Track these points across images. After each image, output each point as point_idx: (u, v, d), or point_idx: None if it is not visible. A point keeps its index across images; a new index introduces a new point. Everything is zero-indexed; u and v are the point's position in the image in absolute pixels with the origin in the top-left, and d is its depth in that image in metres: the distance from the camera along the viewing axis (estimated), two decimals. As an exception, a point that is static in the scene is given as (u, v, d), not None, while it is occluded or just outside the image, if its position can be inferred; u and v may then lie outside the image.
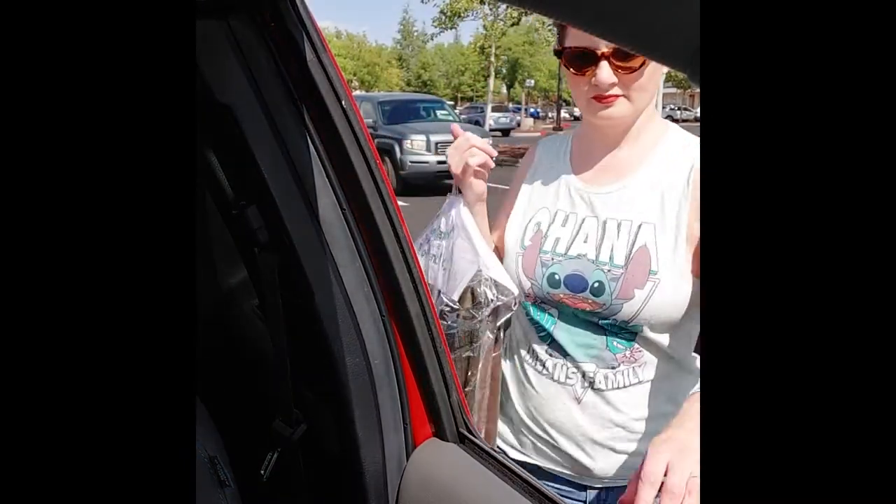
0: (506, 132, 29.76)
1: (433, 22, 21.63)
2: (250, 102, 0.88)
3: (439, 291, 1.21)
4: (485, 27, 23.10)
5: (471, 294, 1.17)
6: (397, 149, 11.15)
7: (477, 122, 22.56)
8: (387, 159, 11.18)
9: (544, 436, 1.21)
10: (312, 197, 0.90)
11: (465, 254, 1.19)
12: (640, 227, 1.09)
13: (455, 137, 1.21)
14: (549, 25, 24.00)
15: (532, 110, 48.39)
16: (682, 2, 0.30)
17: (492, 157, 1.20)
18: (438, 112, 13.24)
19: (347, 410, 0.92)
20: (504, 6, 19.33)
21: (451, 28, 21.55)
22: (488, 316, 1.16)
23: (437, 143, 11.18)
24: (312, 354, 0.94)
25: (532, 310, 1.20)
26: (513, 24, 22.55)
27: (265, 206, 0.92)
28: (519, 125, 34.80)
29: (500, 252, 1.27)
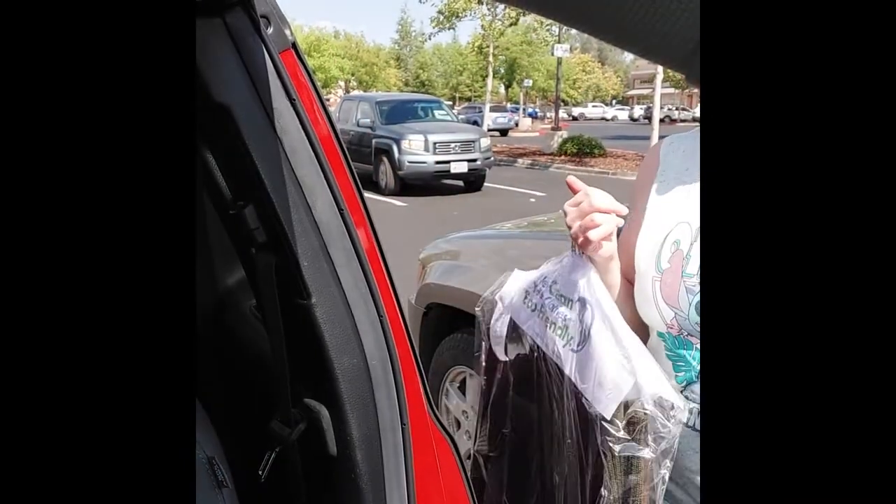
0: (504, 132, 29.78)
1: (431, 22, 21.62)
2: (249, 102, 0.88)
3: (570, 378, 1.03)
4: (483, 27, 23.09)
5: (623, 408, 0.97)
6: (395, 149, 11.14)
7: (475, 122, 22.57)
8: (385, 159, 11.17)
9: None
10: (311, 197, 0.91)
11: (610, 350, 0.98)
12: None
13: (573, 192, 1.05)
14: (548, 26, 23.98)
15: (530, 110, 48.38)
16: (680, 4, 0.30)
17: (622, 216, 1.01)
18: (436, 112, 13.24)
19: (345, 411, 0.92)
20: (502, 6, 19.34)
21: (449, 28, 21.54)
22: (651, 442, 0.95)
23: (434, 143, 11.17)
24: (310, 355, 0.94)
25: (672, 342, 1.02)
26: (511, 25, 22.54)
27: (263, 206, 0.92)
28: (517, 125, 34.81)
29: (628, 277, 1.10)
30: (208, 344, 1.42)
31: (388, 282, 0.97)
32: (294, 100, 0.90)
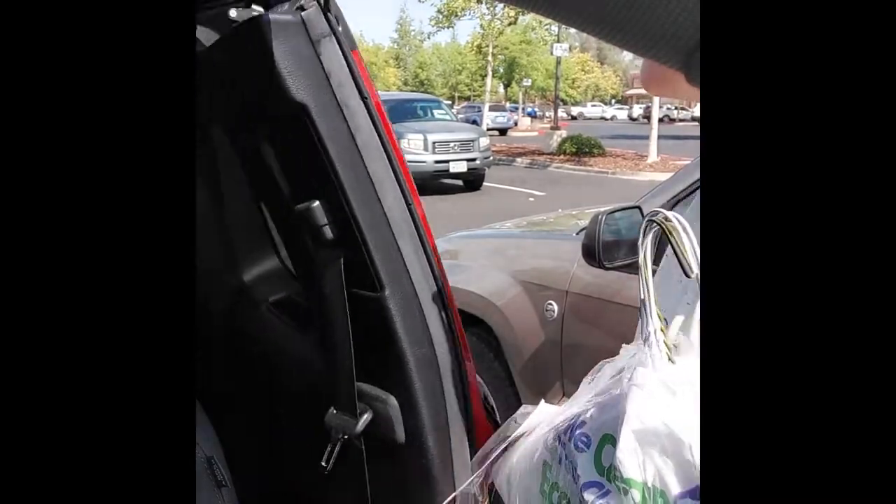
0: (503, 131, 29.76)
1: (430, 21, 21.63)
2: (325, 100, 0.92)
3: None
4: (482, 26, 23.08)
5: None
6: (394, 148, 11.11)
7: (474, 122, 22.57)
8: (384, 159, 11.12)
9: None
10: (381, 192, 0.94)
11: None
12: None
13: None
14: (547, 25, 23.98)
15: (529, 109, 48.37)
16: (679, 3, 0.30)
17: None
18: (436, 111, 13.23)
19: (416, 399, 0.96)
20: (501, 5, 19.33)
21: (448, 27, 21.54)
22: None
23: (434, 143, 11.17)
24: (379, 346, 0.97)
25: None
26: (510, 24, 22.54)
27: (334, 202, 0.95)
28: (516, 124, 34.79)
29: None
30: (222, 341, 1.45)
31: (445, 274, 1.00)
32: (366, 98, 0.93)
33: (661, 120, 18.28)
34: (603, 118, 51.21)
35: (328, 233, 0.97)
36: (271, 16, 0.88)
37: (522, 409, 0.75)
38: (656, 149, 14.67)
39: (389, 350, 0.95)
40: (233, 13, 0.92)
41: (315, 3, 0.89)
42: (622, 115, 51.10)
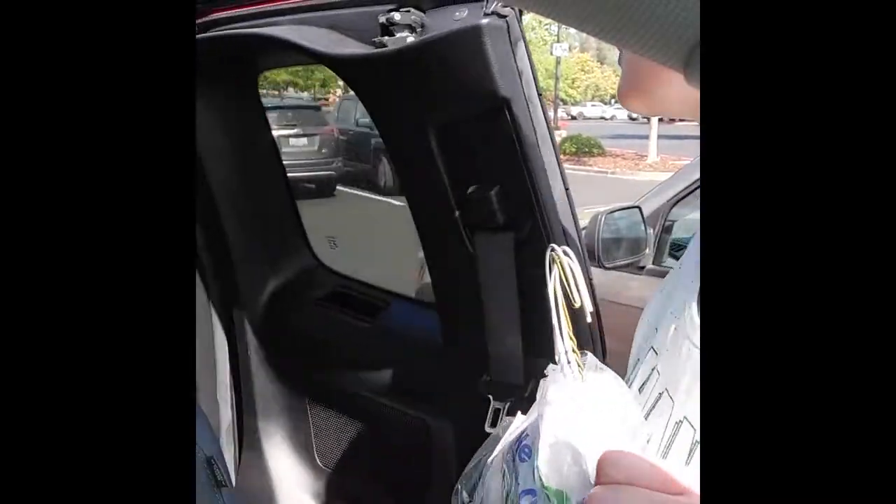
0: (503, 131, 29.60)
1: (430, 21, 21.53)
2: (519, 94, 1.03)
3: None
4: (482, 26, 23.02)
5: None
6: (394, 148, 11.11)
7: (474, 122, 22.50)
8: (384, 159, 11.15)
9: None
10: (552, 180, 1.07)
11: None
12: None
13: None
14: (546, 25, 23.99)
15: (529, 109, 48.22)
16: (679, 2, 0.30)
17: None
18: (435, 111, 13.17)
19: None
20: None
21: (448, 27, 21.46)
22: None
23: (434, 143, 11.14)
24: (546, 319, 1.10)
25: None
26: (510, 24, 22.50)
27: (511, 188, 1.08)
28: (516, 124, 34.69)
29: None
30: (264, 335, 1.58)
31: None
32: (541, 94, 1.05)
33: (660, 119, 18.29)
34: (603, 118, 51.16)
35: (499, 218, 1.09)
36: (485, 21, 1.00)
37: (506, 422, 0.77)
38: (656, 148, 14.68)
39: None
40: (459, 13, 1.04)
41: (511, 10, 1.01)
42: (622, 114, 51.05)
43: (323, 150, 9.87)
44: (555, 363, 0.57)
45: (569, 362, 0.56)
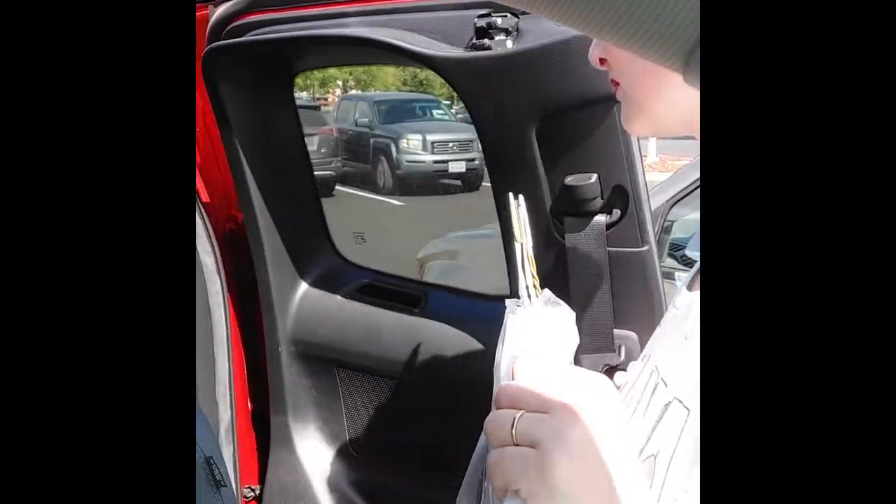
0: (502, 131, 29.64)
1: (429, 21, 21.51)
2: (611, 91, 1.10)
3: None
4: (481, 26, 23.03)
5: None
6: (393, 148, 11.12)
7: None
8: (383, 158, 11.15)
9: None
10: (638, 166, 1.20)
11: None
12: None
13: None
14: (546, 25, 23.91)
15: (528, 109, 48.24)
16: (679, 2, 0.30)
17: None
18: (435, 111, 13.20)
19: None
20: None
21: (447, 27, 21.45)
22: None
23: (433, 143, 11.15)
24: (635, 293, 1.23)
25: None
26: (509, 24, 22.52)
27: (608, 176, 1.20)
28: (515, 124, 34.70)
29: None
30: (296, 331, 1.69)
31: None
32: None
33: (660, 120, 18.19)
34: (602, 118, 51.11)
35: (597, 203, 1.21)
36: None
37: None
38: (655, 149, 14.67)
39: (643, 296, 1.21)
40: None
41: None
42: (621, 114, 50.92)
43: (322, 150, 9.87)
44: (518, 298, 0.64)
45: (529, 297, 0.63)
